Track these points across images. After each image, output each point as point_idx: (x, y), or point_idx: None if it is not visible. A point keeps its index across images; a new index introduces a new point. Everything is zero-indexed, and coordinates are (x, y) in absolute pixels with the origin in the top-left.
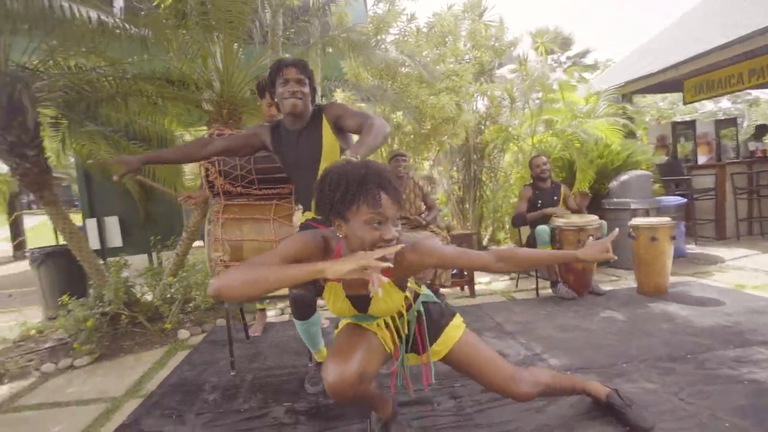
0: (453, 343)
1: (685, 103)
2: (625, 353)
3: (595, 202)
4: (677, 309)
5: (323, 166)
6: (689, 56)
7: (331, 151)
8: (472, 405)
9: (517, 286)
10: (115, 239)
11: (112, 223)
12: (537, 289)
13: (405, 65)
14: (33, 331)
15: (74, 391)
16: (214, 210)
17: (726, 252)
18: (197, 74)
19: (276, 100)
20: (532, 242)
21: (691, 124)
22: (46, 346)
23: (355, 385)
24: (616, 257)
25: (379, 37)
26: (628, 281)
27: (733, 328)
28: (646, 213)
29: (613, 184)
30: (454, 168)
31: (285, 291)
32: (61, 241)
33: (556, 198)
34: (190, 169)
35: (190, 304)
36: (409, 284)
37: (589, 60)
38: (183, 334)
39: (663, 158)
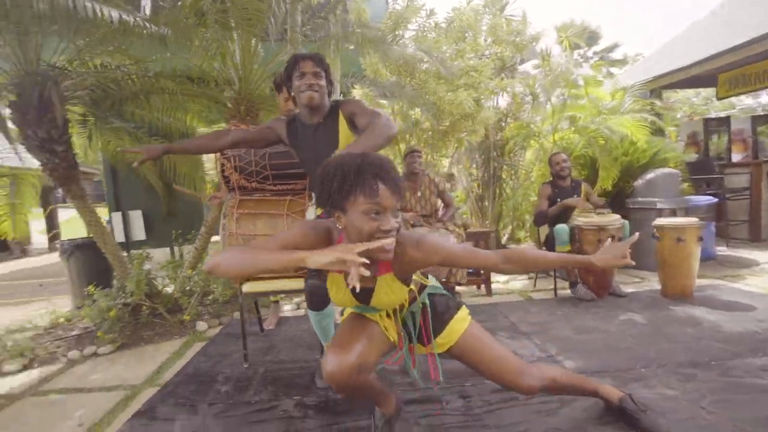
0: (458, 335)
1: (718, 98)
2: (644, 357)
3: (619, 201)
4: (703, 313)
5: None
6: (723, 48)
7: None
8: (481, 405)
9: (535, 285)
10: (139, 233)
11: (136, 217)
12: (555, 289)
13: (423, 61)
14: (62, 319)
15: (97, 378)
16: (229, 205)
17: (760, 255)
18: (216, 72)
19: (293, 93)
20: (551, 241)
21: (725, 121)
22: (73, 333)
23: (353, 374)
24: (634, 263)
25: (397, 33)
26: (651, 283)
27: (764, 335)
28: (673, 213)
29: (638, 182)
30: (474, 165)
31: (301, 285)
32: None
33: (576, 196)
34: (211, 164)
35: (209, 297)
36: (414, 276)
37: (617, 55)
38: (201, 326)
39: (693, 156)
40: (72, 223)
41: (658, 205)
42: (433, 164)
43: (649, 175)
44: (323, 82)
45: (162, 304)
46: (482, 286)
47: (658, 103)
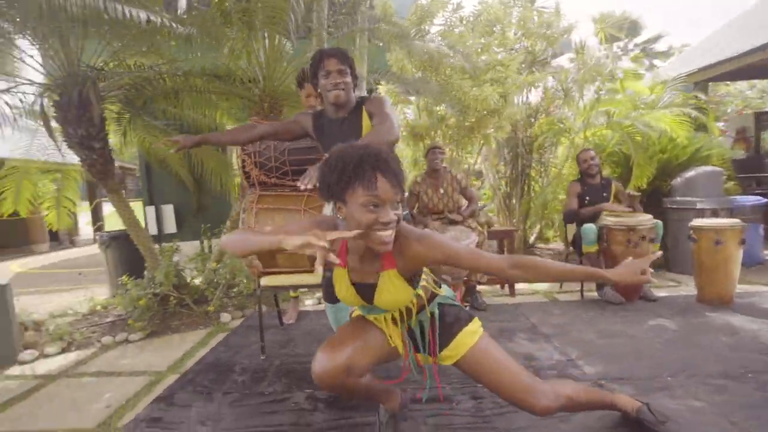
0: (465, 349)
1: None
2: (671, 365)
3: (655, 200)
4: (743, 321)
5: None
6: None
7: None
8: (492, 407)
9: (561, 287)
10: (171, 226)
11: (168, 211)
12: (582, 291)
13: (448, 56)
14: (99, 307)
15: (126, 363)
16: (249, 200)
17: None
18: (242, 70)
19: (319, 90)
20: (578, 241)
21: None
22: (108, 320)
23: (341, 376)
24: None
25: (422, 27)
26: (688, 287)
27: None
28: (715, 213)
29: (677, 181)
30: (502, 162)
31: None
32: None
33: (605, 195)
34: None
35: (234, 290)
36: (425, 283)
37: (661, 46)
38: (225, 317)
39: (741, 153)
40: (115, 216)
41: (698, 205)
42: (459, 161)
43: (689, 173)
44: (348, 79)
45: (189, 295)
46: (506, 285)
47: (702, 96)
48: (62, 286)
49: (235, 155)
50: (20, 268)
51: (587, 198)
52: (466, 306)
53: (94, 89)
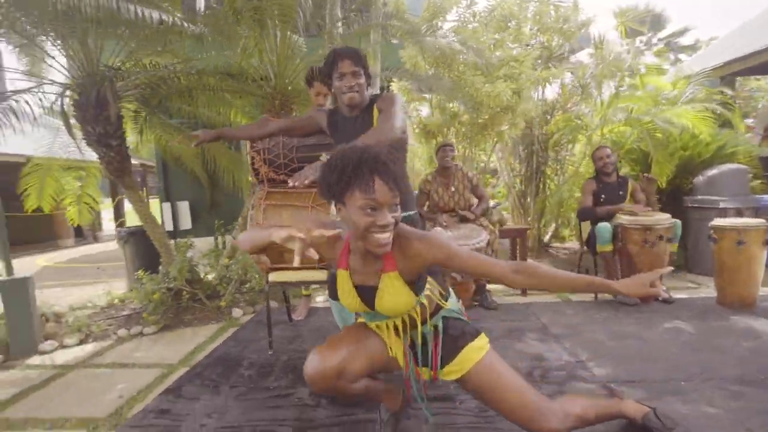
0: (470, 365)
1: None
2: (686, 369)
3: (676, 199)
4: (766, 325)
5: None
6: None
7: None
8: None
9: None
10: (186, 222)
11: (184, 207)
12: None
13: (461, 53)
14: (116, 300)
15: (140, 356)
16: (257, 196)
17: None
18: (253, 68)
19: (333, 91)
20: (592, 239)
21: None
22: (124, 313)
23: (332, 380)
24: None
25: (434, 23)
26: (709, 289)
27: None
28: (739, 213)
29: (699, 179)
30: (517, 160)
31: (324, 276)
32: None
33: (621, 193)
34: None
35: (246, 285)
36: (429, 293)
37: (687, 40)
38: (236, 312)
39: None
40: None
41: (721, 204)
42: (472, 158)
43: (712, 172)
44: (362, 80)
45: (202, 290)
46: None
47: (729, 92)
48: (84, 280)
49: (245, 152)
50: (46, 262)
51: (602, 196)
52: (475, 305)
53: (111, 88)
